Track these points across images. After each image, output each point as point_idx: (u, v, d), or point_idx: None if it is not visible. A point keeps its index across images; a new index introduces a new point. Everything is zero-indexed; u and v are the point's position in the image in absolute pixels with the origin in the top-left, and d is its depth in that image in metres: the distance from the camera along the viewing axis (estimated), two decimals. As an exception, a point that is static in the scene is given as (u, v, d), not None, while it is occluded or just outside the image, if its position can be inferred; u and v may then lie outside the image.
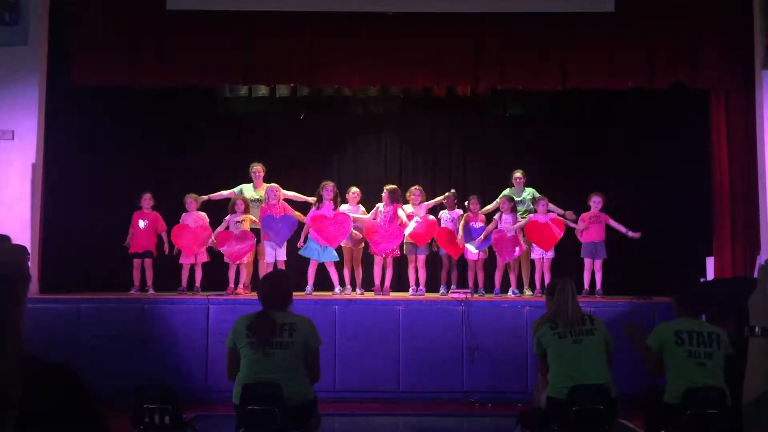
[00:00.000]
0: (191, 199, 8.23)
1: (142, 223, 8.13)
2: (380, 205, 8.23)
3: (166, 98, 9.14)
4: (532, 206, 8.43)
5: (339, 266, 8.28)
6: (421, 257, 8.29)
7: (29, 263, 5.81)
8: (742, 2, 7.78)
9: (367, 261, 8.56)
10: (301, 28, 7.99)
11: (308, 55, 8.03)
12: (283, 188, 8.37)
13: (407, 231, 8.14)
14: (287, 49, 8.04)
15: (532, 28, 8.01)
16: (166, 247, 8.15)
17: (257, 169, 8.53)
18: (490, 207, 8.57)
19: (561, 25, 7.95)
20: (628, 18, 7.92)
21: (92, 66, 7.93)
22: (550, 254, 8.17)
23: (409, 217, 8.23)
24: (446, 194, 8.55)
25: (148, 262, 8.14)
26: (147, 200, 8.24)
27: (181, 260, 8.14)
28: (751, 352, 1.81)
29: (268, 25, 8.03)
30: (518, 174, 8.70)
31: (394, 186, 8.41)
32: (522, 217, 8.30)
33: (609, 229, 8.13)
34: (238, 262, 8.09)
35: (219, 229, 8.08)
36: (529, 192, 8.65)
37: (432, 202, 8.57)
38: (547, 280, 8.14)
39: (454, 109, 9.99)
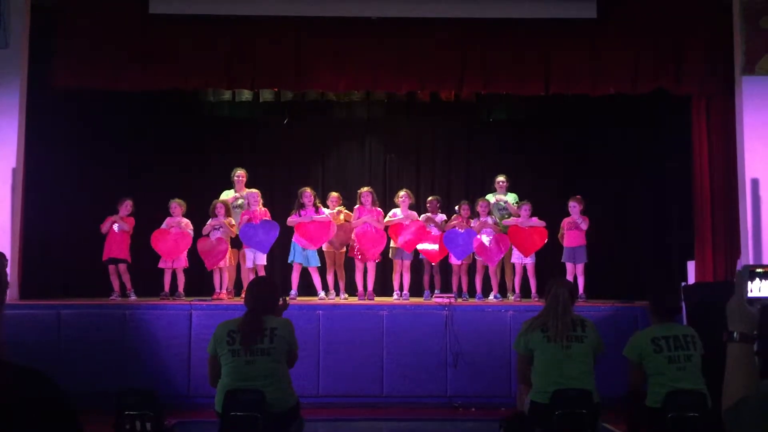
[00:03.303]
0: (176, 204, 8.16)
1: (116, 227, 7.96)
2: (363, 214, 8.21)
3: (149, 102, 9.09)
4: (511, 212, 8.45)
5: (322, 271, 8.26)
6: (407, 262, 8.28)
7: (8, 269, 5.75)
8: (722, 8, 7.85)
9: (349, 266, 8.55)
10: (285, 33, 7.96)
11: (292, 59, 7.99)
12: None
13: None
14: (271, 54, 8.00)
15: (516, 34, 8.04)
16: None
17: (239, 174, 8.50)
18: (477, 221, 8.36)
19: (544, 31, 7.99)
20: (611, 24, 7.97)
21: (74, 69, 7.83)
22: (531, 259, 8.20)
23: (399, 223, 8.21)
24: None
25: (122, 267, 8.01)
26: (126, 207, 8.05)
27: (160, 264, 8.09)
28: (730, 357, 1.82)
29: (252, 29, 7.99)
30: (501, 178, 8.74)
31: (370, 188, 8.42)
32: (501, 221, 8.31)
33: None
34: (212, 268, 8.03)
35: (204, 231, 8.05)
36: (511, 197, 8.69)
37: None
38: (532, 285, 8.18)
39: (438, 114, 10.01)
